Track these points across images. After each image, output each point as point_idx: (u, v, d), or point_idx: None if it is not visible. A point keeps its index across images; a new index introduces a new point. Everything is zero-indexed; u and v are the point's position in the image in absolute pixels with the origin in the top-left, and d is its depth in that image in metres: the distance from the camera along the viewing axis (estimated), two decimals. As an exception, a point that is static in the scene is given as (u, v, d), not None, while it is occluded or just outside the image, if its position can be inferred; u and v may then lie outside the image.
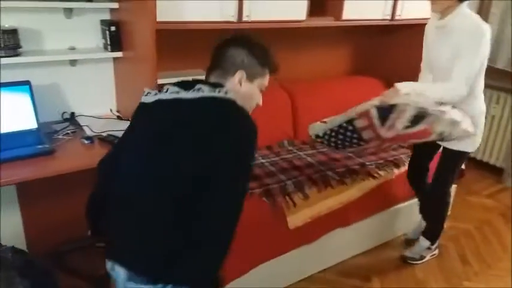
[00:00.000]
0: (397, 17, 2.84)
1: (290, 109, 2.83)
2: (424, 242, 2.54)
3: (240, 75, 1.33)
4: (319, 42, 3.04)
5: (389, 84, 3.28)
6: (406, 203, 2.70)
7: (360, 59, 3.42)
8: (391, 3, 2.77)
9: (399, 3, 2.80)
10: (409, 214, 2.72)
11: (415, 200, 2.65)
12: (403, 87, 1.92)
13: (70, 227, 2.17)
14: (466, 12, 1.94)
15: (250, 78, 1.36)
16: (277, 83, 2.86)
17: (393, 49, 3.28)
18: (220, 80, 1.34)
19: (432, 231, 2.53)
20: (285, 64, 2.90)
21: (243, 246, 1.99)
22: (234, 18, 2.17)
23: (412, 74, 3.18)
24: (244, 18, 2.18)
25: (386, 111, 1.86)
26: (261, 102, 1.45)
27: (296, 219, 2.12)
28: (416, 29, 3.05)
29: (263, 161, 2.50)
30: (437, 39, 2.02)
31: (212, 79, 1.36)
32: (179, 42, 2.37)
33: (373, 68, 3.32)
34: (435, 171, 2.35)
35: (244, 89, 1.35)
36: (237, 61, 1.33)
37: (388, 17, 2.82)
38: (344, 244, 2.48)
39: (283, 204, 2.11)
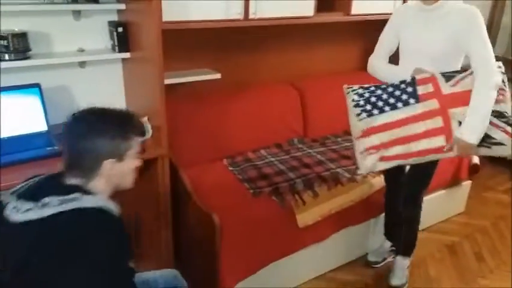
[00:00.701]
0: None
1: (300, 107, 2.81)
2: (404, 261, 2.32)
3: (107, 165, 1.18)
4: (328, 38, 3.00)
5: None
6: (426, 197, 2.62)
7: (370, 55, 3.37)
8: (401, -4, 2.73)
9: (410, -3, 2.75)
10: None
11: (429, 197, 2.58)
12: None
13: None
14: None
15: (119, 158, 1.21)
16: (287, 81, 2.85)
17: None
18: (82, 179, 1.17)
19: (410, 247, 2.31)
20: (294, 62, 2.93)
21: (253, 246, 2.00)
22: (240, 16, 2.16)
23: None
24: (251, 16, 2.17)
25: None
26: (139, 164, 1.31)
27: (306, 217, 2.11)
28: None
29: (272, 159, 2.49)
30: (426, 22, 1.85)
31: (71, 180, 1.18)
32: (186, 41, 2.37)
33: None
34: (407, 191, 2.15)
35: (116, 171, 1.21)
36: (98, 154, 1.17)
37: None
38: (356, 242, 2.46)
39: (293, 202, 2.10)
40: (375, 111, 1.85)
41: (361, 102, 1.89)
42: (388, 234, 2.45)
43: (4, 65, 1.86)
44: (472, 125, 1.73)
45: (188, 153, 2.32)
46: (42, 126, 1.98)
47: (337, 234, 2.30)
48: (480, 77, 1.74)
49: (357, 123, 1.88)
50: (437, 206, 2.79)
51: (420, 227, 2.74)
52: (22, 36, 1.89)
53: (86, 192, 1.15)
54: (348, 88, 1.97)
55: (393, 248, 2.43)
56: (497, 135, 1.76)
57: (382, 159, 1.83)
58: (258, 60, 2.75)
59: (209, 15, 2.09)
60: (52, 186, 1.16)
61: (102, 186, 1.21)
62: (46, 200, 1.09)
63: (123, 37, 2.08)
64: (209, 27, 2.12)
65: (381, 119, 1.84)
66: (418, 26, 1.89)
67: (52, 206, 1.08)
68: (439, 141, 1.78)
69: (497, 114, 1.78)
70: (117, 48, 2.09)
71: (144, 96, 2.11)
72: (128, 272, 1.20)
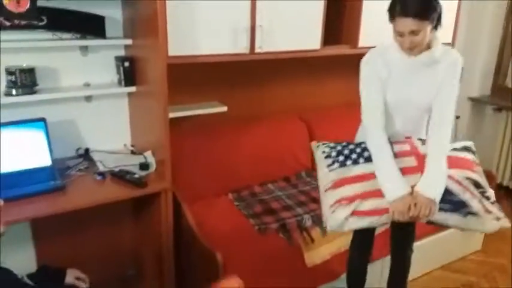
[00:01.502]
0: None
1: (307, 139, 2.76)
2: None
3: None
4: (335, 71, 2.99)
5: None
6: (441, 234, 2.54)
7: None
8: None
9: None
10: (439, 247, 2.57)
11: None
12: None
13: (82, 263, 2.15)
14: (440, 40, 1.69)
15: None
16: (294, 114, 2.83)
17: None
18: None
19: None
20: (301, 94, 2.92)
21: (257, 283, 1.91)
22: (246, 50, 2.16)
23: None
24: (257, 50, 2.18)
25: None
26: None
27: (314, 256, 2.03)
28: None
29: (280, 193, 2.43)
30: (412, 72, 1.71)
31: None
32: (193, 75, 2.37)
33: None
34: (393, 247, 1.99)
35: None
36: None
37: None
38: (368, 280, 2.33)
39: (300, 240, 2.03)
40: (348, 162, 1.73)
41: (333, 154, 1.78)
42: None
43: (11, 99, 1.88)
44: (432, 180, 1.62)
45: (192, 187, 2.28)
46: (46, 161, 1.97)
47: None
48: (439, 133, 1.68)
49: (327, 174, 1.73)
50: (454, 243, 2.68)
51: (435, 265, 2.62)
52: (30, 71, 1.91)
53: None
54: (318, 143, 1.90)
55: None
56: (474, 204, 1.64)
57: (354, 213, 1.62)
58: (265, 93, 2.74)
59: (215, 49, 2.10)
60: None
61: None
62: None
63: (130, 72, 2.09)
64: (215, 61, 2.13)
65: (355, 170, 1.70)
66: (405, 77, 1.72)
67: None
68: None
69: (474, 183, 1.68)
70: (123, 82, 2.10)
71: (148, 130, 2.09)
72: None
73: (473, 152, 1.81)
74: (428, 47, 1.66)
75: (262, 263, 1.93)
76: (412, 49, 1.63)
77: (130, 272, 2.37)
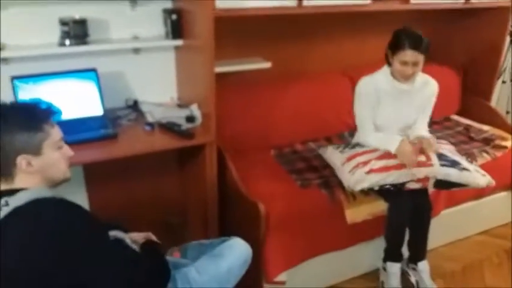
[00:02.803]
0: (472, 0, 2.61)
1: (352, 98, 2.71)
2: (427, 266, 2.14)
3: (23, 162, 1.12)
4: (385, 28, 2.83)
5: (462, 72, 3.07)
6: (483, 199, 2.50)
7: (430, 46, 3.19)
8: (465, -16, 2.56)
9: (475, -16, 2.57)
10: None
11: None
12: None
13: (130, 209, 2.28)
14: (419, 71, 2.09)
15: (35, 152, 1.14)
16: (339, 70, 2.76)
17: (466, 35, 3.03)
18: (6, 182, 1.13)
19: (425, 249, 2.17)
20: (348, 51, 2.84)
21: (298, 237, 1.96)
22: (294, 3, 2.10)
23: (487, 61, 2.96)
24: (305, 3, 2.11)
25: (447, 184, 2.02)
26: (68, 153, 1.25)
27: (355, 214, 2.04)
28: (493, 13, 2.81)
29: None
30: (402, 101, 2.13)
31: (1, 186, 1.14)
32: (238, 30, 2.34)
33: (444, 55, 3.09)
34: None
35: (38, 166, 1.14)
36: (7, 153, 1.10)
37: (462, 0, 2.60)
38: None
39: (342, 197, 2.03)
40: (357, 147, 2.15)
41: (342, 146, 2.24)
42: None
43: (65, 50, 1.94)
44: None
45: (235, 142, 2.31)
46: (99, 110, 2.05)
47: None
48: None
49: (341, 156, 2.12)
50: (498, 209, 2.62)
51: (478, 230, 2.59)
52: (82, 22, 1.96)
53: (15, 192, 1.09)
54: (324, 147, 2.33)
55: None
56: (464, 163, 2.04)
57: (371, 171, 1.95)
58: (310, 49, 2.68)
59: (262, 2, 2.06)
60: None
61: (30, 182, 1.14)
62: None
63: (177, 25, 2.10)
64: (262, 14, 2.09)
65: (363, 149, 2.11)
66: (394, 102, 2.13)
67: None
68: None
69: (459, 152, 2.20)
70: (170, 35, 2.12)
71: (194, 84, 2.12)
72: (108, 246, 1.17)
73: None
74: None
75: (303, 216, 1.97)
76: (410, 77, 2.06)
77: (176, 220, 2.48)
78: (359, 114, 2.19)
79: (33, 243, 1.03)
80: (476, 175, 2.01)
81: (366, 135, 2.16)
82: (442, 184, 2.03)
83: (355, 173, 1.97)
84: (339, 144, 2.34)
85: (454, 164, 2.00)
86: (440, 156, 2.01)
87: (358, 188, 1.96)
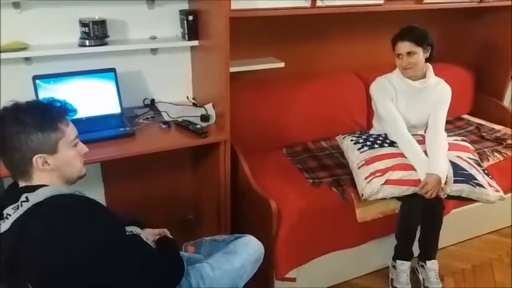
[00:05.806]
0: (487, -1, 2.61)
1: (364, 98, 2.73)
2: (435, 265, 2.14)
3: (39, 161, 1.15)
4: (397, 27, 2.88)
5: (475, 71, 3.06)
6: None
7: (443, 45, 3.18)
8: (480, -17, 2.56)
9: (489, -16, 2.57)
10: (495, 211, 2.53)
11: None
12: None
13: (146, 205, 2.34)
14: (432, 71, 2.16)
15: (51, 151, 1.16)
16: (352, 71, 2.79)
17: (479, 34, 3.03)
18: (24, 179, 1.17)
19: (435, 248, 2.18)
20: (359, 51, 2.86)
21: (309, 235, 2.00)
22: (307, 4, 2.14)
23: (500, 61, 2.95)
24: (318, 3, 2.14)
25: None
26: (83, 150, 1.28)
27: (366, 212, 2.07)
28: (506, 12, 2.80)
29: (333, 151, 2.46)
30: (417, 98, 2.17)
31: (20, 183, 1.19)
32: (252, 30, 2.39)
33: (456, 54, 3.10)
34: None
35: (54, 164, 1.17)
36: (23, 153, 1.13)
37: (477, -1, 2.60)
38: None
39: (353, 195, 2.06)
40: (376, 146, 2.12)
41: (361, 140, 2.19)
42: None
43: (85, 50, 2.00)
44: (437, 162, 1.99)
45: (248, 140, 2.35)
46: (117, 109, 2.11)
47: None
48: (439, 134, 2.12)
49: (359, 155, 2.10)
50: (509, 208, 2.61)
51: (489, 229, 2.59)
52: (101, 23, 2.01)
53: (34, 188, 1.13)
54: (343, 135, 2.33)
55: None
56: (479, 177, 2.03)
57: (387, 182, 1.95)
58: (323, 49, 2.72)
59: (277, 3, 2.09)
60: (10, 195, 1.16)
61: (48, 179, 1.18)
62: (5, 212, 1.11)
63: (193, 25, 2.14)
64: (277, 14, 2.12)
65: (383, 150, 2.08)
66: (410, 99, 2.17)
67: (9, 216, 1.09)
68: None
69: (476, 163, 2.13)
70: (187, 36, 2.17)
71: (209, 83, 2.17)
72: (126, 241, 1.21)
73: (469, 143, 2.29)
74: (424, 76, 2.14)
75: (314, 214, 2.00)
76: (407, 69, 2.09)
77: (190, 216, 2.53)
78: (383, 109, 2.19)
79: (55, 238, 1.08)
80: (488, 191, 2.02)
81: (399, 132, 2.11)
82: (454, 196, 2.05)
83: (372, 183, 1.96)
84: (356, 134, 2.35)
85: (469, 178, 2.00)
86: (457, 169, 2.01)
87: (372, 198, 1.98)
